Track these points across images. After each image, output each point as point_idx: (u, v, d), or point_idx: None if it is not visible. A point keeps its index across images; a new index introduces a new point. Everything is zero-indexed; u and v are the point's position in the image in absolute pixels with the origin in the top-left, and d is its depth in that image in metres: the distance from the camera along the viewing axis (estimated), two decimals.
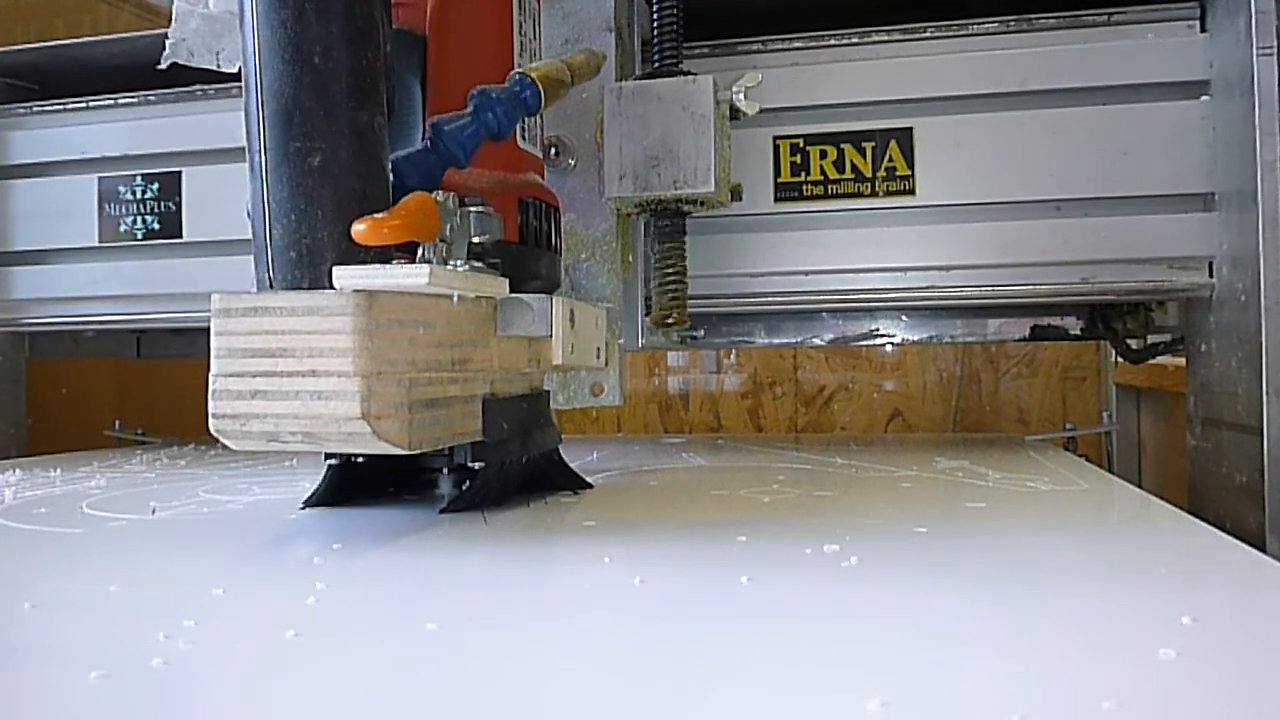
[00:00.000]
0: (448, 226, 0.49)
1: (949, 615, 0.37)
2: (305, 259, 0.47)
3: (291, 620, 0.36)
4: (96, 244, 1.02)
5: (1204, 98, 0.77)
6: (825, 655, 0.32)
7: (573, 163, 0.71)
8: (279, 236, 0.48)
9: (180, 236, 0.99)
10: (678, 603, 0.39)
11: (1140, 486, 0.83)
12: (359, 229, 0.44)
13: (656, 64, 0.69)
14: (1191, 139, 0.76)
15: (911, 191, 0.81)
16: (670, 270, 0.70)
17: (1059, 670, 0.30)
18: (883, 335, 1.02)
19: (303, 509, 0.60)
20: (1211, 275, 0.77)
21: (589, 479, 0.67)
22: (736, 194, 0.71)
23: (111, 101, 1.02)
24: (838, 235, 0.82)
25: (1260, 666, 0.31)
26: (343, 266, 0.45)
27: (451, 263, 0.49)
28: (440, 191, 0.49)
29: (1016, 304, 0.96)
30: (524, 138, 0.61)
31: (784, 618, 0.37)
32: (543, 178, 0.64)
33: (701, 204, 0.69)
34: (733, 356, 1.94)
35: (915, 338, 1.02)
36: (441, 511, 0.58)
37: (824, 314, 1.02)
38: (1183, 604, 0.36)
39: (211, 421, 0.47)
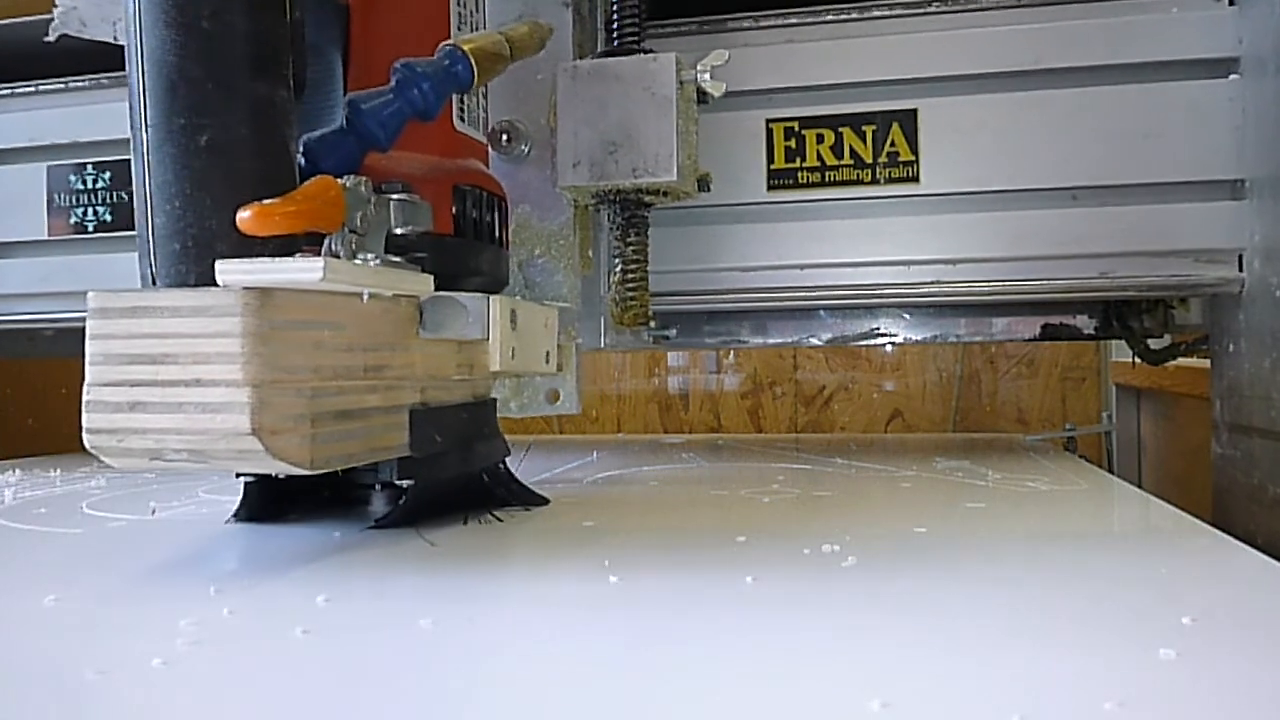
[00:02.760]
0: (358, 215, 0.43)
1: (948, 615, 0.36)
2: (192, 251, 0.42)
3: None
4: (46, 237, 0.97)
5: (1233, 76, 0.70)
6: (823, 656, 0.32)
7: (526, 149, 0.65)
8: (162, 226, 0.42)
9: (133, 229, 0.93)
10: (674, 603, 0.39)
11: (1140, 487, 0.81)
12: (243, 216, 0.39)
13: (616, 41, 0.63)
14: (1219, 121, 0.70)
15: (915, 179, 0.74)
16: (632, 267, 0.64)
17: (1059, 670, 0.30)
18: (884, 335, 0.96)
19: (229, 523, 0.55)
20: (1241, 269, 0.70)
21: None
22: (704, 184, 0.65)
23: (62, 85, 0.97)
24: (835, 226, 0.76)
25: (1260, 666, 0.31)
26: (226, 260, 0.39)
27: (361, 256, 0.43)
28: (351, 176, 0.44)
29: (1026, 301, 0.89)
30: (463, 119, 0.55)
31: (781, 618, 0.36)
32: (487, 164, 0.58)
33: (665, 194, 0.63)
34: (732, 356, 1.91)
35: (918, 337, 0.96)
36: (368, 529, 0.52)
37: (821, 312, 0.97)
38: (1183, 604, 0.36)
39: (86, 437, 0.42)
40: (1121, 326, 0.88)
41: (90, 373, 0.42)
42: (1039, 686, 0.29)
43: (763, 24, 0.76)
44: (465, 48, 0.49)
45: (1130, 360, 1.02)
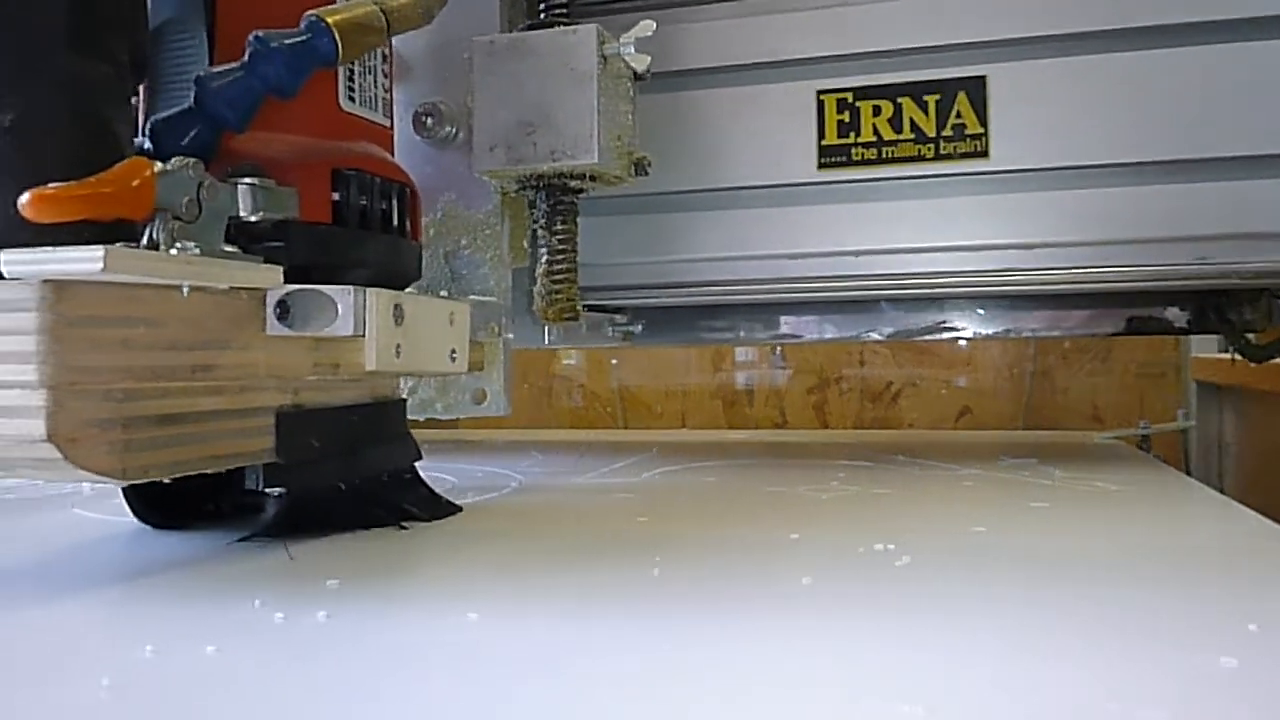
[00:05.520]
0: (183, 200, 0.40)
1: (1000, 618, 0.35)
2: None
3: None
4: None
5: None
6: (865, 658, 0.31)
7: (453, 132, 0.61)
8: None
9: None
10: (719, 602, 0.37)
11: (1221, 490, 0.73)
12: (23, 201, 0.35)
13: (542, 13, 0.59)
14: None
15: (984, 153, 0.67)
16: (559, 258, 0.59)
17: (1111, 677, 0.28)
18: (950, 329, 0.90)
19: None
20: None
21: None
22: (641, 168, 0.60)
23: None
24: (894, 208, 0.70)
25: None
26: (13, 250, 0.36)
27: (181, 245, 0.39)
28: (178, 159, 0.40)
29: (1109, 291, 0.82)
30: (352, 98, 0.51)
31: (828, 617, 0.35)
32: (389, 147, 0.54)
33: (593, 179, 0.58)
34: (778, 351, 1.86)
35: (988, 331, 0.89)
36: (236, 541, 0.48)
37: (882, 304, 0.91)
38: (1250, 611, 0.34)
39: None
40: (1219, 319, 0.79)
41: None
42: (1089, 692, 0.27)
43: None
44: (329, 19, 0.45)
45: (1229, 357, 0.93)
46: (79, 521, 0.57)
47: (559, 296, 0.59)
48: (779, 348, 1.84)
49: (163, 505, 0.53)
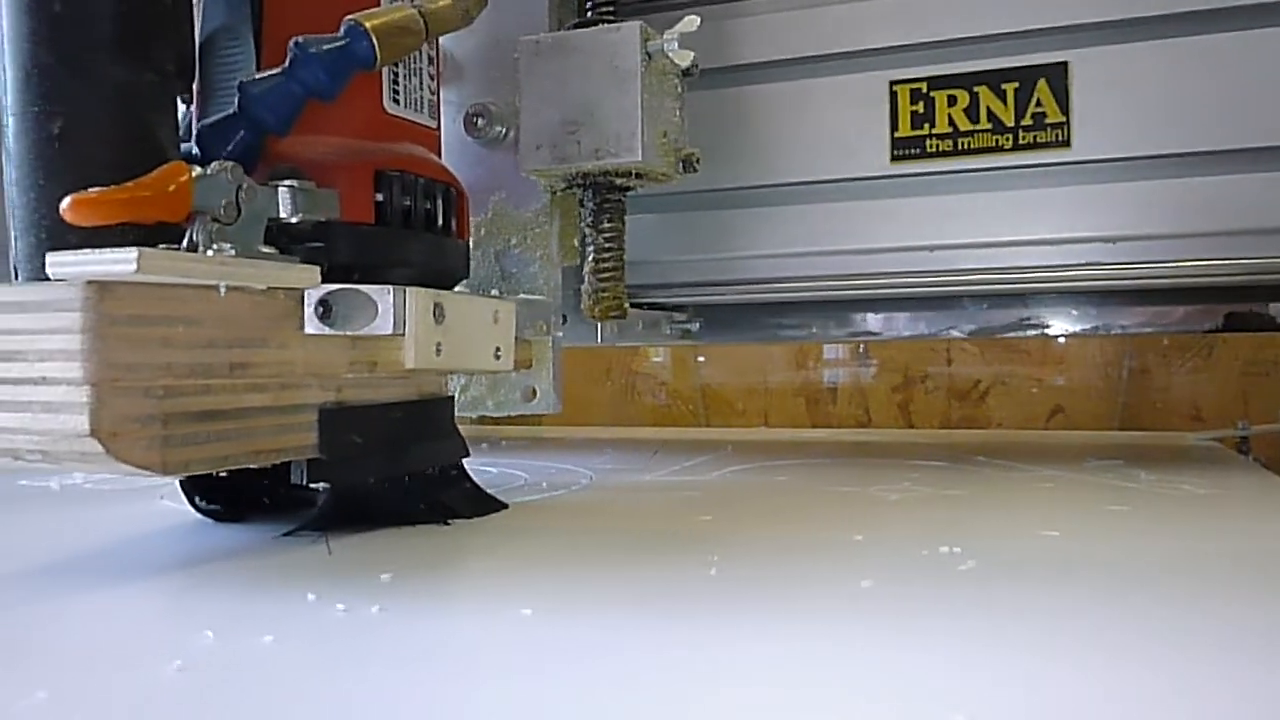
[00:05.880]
0: (220, 203, 0.41)
1: (1060, 626, 0.33)
2: (45, 244, 0.40)
3: None
4: None
5: None
6: (917, 664, 0.29)
7: (502, 131, 0.61)
8: (21, 218, 0.41)
9: None
10: (773, 603, 0.37)
11: None
12: (64, 205, 0.37)
13: (589, 11, 0.59)
14: None
15: (1066, 143, 0.65)
16: (605, 256, 0.59)
17: (1170, 690, 0.27)
18: (1035, 325, 0.87)
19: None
20: None
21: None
22: (690, 165, 0.60)
23: None
24: (970, 201, 0.68)
25: None
26: (58, 253, 0.37)
27: (217, 246, 0.41)
28: (217, 163, 0.41)
29: (1204, 286, 0.78)
30: (396, 100, 0.52)
31: (883, 621, 0.34)
32: (435, 148, 0.55)
33: (639, 177, 0.58)
34: (863, 349, 1.84)
35: (1076, 329, 0.87)
36: (281, 535, 0.50)
37: (965, 300, 0.89)
38: None
39: None
40: None
41: None
42: (1144, 709, 0.26)
43: None
44: (366, 24, 0.46)
45: None
46: (162, 512, 0.58)
47: (605, 295, 0.59)
48: (863, 345, 1.81)
49: (221, 498, 0.55)
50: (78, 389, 0.38)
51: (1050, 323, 0.87)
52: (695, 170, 0.60)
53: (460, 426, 0.57)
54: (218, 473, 0.54)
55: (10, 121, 0.40)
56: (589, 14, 0.59)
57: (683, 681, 0.28)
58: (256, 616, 0.36)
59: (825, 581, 0.40)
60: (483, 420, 1.11)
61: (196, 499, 0.54)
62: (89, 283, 0.38)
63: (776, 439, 1.07)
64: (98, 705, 0.27)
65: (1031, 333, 0.88)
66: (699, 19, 0.55)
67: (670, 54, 0.54)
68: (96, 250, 0.37)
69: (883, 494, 0.61)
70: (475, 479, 0.58)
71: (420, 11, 0.48)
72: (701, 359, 1.75)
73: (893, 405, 1.84)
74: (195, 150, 0.45)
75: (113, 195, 0.37)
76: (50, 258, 0.38)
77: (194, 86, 0.49)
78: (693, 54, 0.54)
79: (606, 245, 0.59)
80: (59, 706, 0.26)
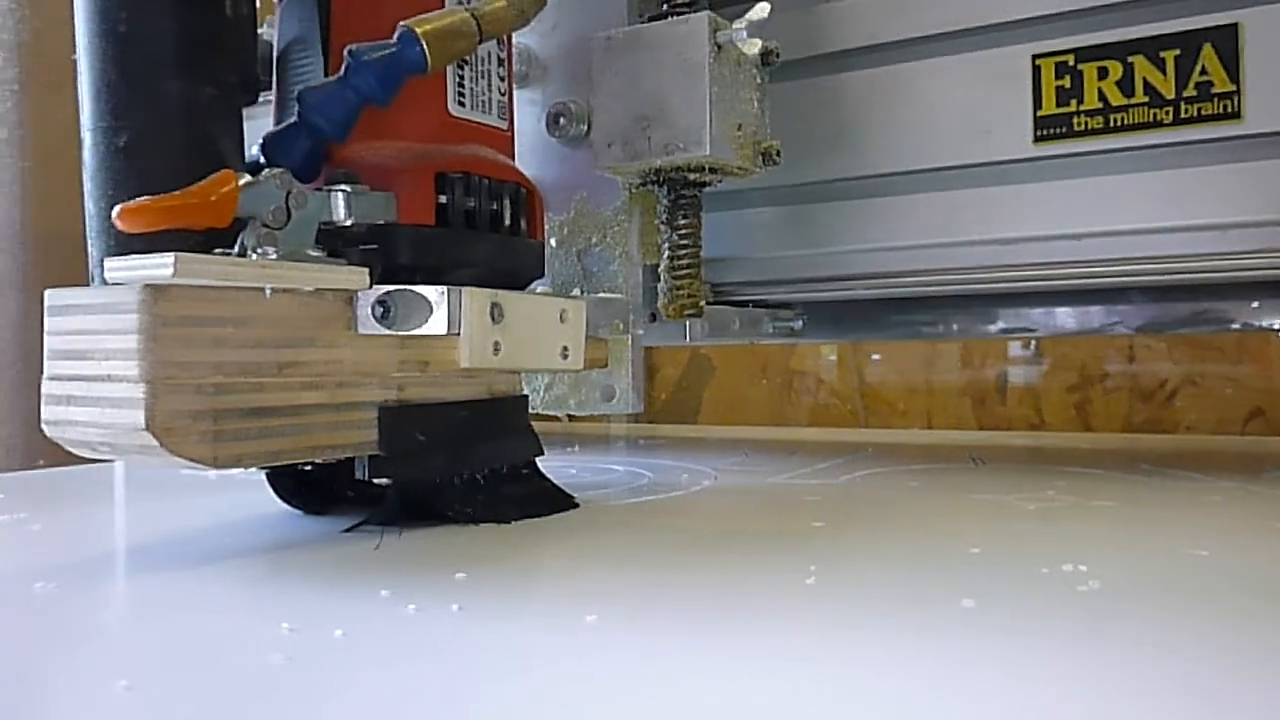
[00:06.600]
0: (269, 208, 0.42)
1: (1186, 659, 0.30)
2: (114, 250, 0.43)
3: None
4: None
5: None
6: (1006, 695, 0.27)
7: (582, 129, 0.61)
8: (94, 226, 0.44)
9: None
10: (866, 620, 0.35)
11: None
12: (115, 214, 0.39)
13: (665, 4, 0.57)
14: None
15: (1236, 115, 0.59)
16: (681, 253, 0.58)
17: None
18: (1217, 320, 0.80)
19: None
20: None
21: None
22: (770, 158, 0.58)
23: None
24: (1124, 183, 0.63)
25: None
26: (114, 258, 0.40)
27: (261, 250, 0.42)
28: (269, 170, 0.43)
29: None
30: (462, 103, 0.53)
31: (976, 645, 0.31)
32: (508, 150, 0.55)
33: (714, 171, 0.57)
34: (1031, 345, 1.73)
35: (1260, 323, 0.79)
36: (345, 530, 0.51)
37: (1131, 292, 0.83)
38: None
39: (44, 427, 0.45)
40: None
41: (46, 366, 0.44)
42: None
43: None
44: (417, 29, 0.46)
45: None
46: (264, 501, 0.61)
47: (680, 293, 0.58)
48: (1034, 342, 1.71)
49: (304, 491, 0.57)
50: (135, 386, 0.41)
51: (1232, 316, 0.79)
52: (776, 163, 0.58)
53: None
54: (301, 466, 0.57)
55: (86, 136, 0.43)
56: (664, 7, 0.58)
57: (750, 699, 0.27)
58: (331, 610, 0.37)
59: (921, 600, 0.37)
60: (635, 419, 1.12)
61: (281, 492, 0.57)
62: (145, 286, 0.40)
63: (927, 441, 1.01)
64: (176, 695, 0.28)
65: (1204, 328, 0.80)
66: (769, 6, 0.53)
67: (739, 44, 0.53)
68: (145, 255, 0.40)
69: (1020, 502, 0.57)
70: (551, 478, 0.58)
71: (473, 14, 0.48)
72: (876, 356, 1.70)
73: (1068, 406, 1.73)
74: (261, 158, 0.47)
75: (158, 203, 0.40)
76: (107, 262, 0.40)
77: (273, 97, 0.52)
78: (759, 43, 0.52)
79: (682, 242, 0.58)
80: (137, 695, 0.27)
